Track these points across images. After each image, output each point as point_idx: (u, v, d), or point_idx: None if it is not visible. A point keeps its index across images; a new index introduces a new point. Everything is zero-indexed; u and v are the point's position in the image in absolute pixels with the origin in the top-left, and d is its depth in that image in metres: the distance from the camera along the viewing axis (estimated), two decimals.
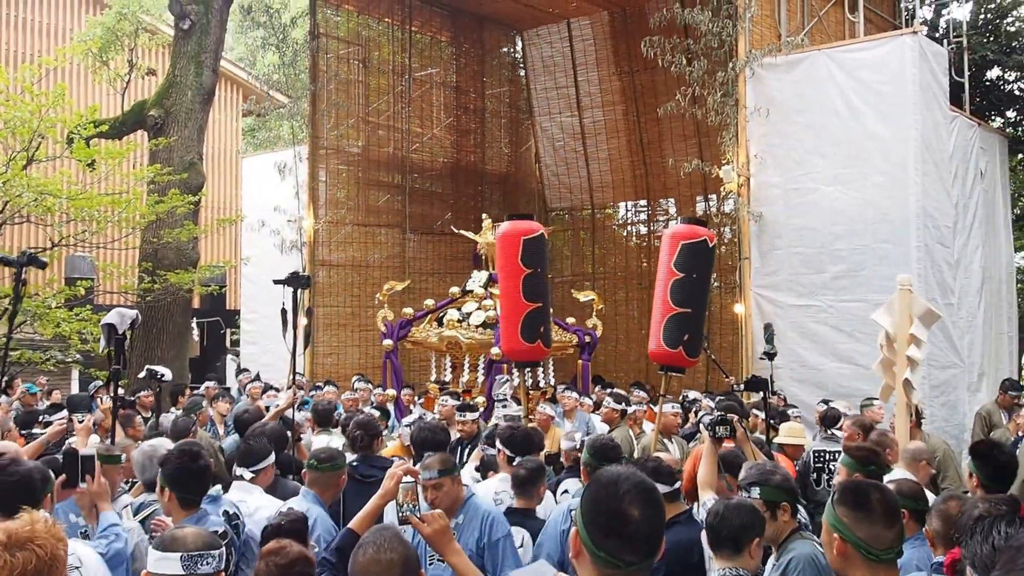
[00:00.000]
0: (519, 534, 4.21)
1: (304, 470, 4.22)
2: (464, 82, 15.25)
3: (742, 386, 9.50)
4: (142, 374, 6.57)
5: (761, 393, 6.16)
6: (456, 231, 11.23)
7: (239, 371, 11.45)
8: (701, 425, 5.02)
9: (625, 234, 15.67)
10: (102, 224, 10.86)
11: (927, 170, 9.45)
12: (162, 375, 6.47)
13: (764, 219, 9.99)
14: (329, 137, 13.22)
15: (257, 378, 10.50)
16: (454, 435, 6.76)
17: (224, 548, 2.54)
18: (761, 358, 7.36)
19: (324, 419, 7.12)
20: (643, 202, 15.19)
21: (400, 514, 2.83)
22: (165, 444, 4.65)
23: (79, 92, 15.36)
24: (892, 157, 9.39)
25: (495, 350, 8.75)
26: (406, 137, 14.14)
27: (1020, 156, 14.37)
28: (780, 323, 9.75)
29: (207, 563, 2.41)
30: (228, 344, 16.40)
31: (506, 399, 7.78)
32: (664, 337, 5.07)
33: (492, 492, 4.81)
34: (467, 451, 6.54)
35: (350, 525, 3.09)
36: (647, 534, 1.74)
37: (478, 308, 9.45)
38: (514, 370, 8.67)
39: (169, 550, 2.41)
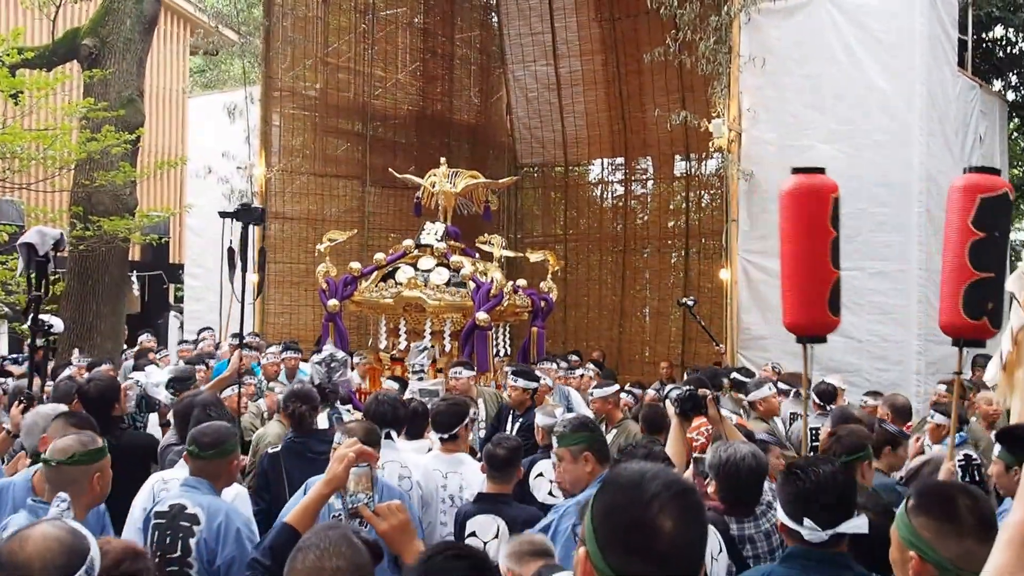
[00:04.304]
0: (494, 523, 3.69)
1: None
2: (432, 24, 14.20)
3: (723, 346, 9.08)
4: (26, 325, 5.64)
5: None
6: (398, 176, 10.26)
7: (200, 331, 10.40)
8: (667, 401, 4.56)
9: (600, 194, 14.86)
10: (25, 162, 9.96)
11: (932, 130, 8.90)
12: (50, 325, 5.54)
13: (755, 178, 9.28)
14: (284, 78, 12.19)
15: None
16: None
17: (94, 549, 1.90)
18: None
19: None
20: (620, 160, 14.35)
21: (350, 505, 2.40)
22: (59, 408, 4.11)
23: (2, 17, 14.05)
24: (895, 114, 8.81)
25: (481, 314, 7.87)
26: (368, 81, 13.12)
27: (1017, 122, 13.79)
28: (769, 291, 9.11)
29: None
30: (172, 300, 15.44)
31: (423, 370, 7.02)
32: (964, 306, 4.45)
33: (428, 469, 4.35)
34: (518, 422, 5.99)
35: (287, 519, 2.50)
36: (684, 550, 1.30)
37: (439, 264, 8.42)
38: (428, 337, 7.87)
39: None
